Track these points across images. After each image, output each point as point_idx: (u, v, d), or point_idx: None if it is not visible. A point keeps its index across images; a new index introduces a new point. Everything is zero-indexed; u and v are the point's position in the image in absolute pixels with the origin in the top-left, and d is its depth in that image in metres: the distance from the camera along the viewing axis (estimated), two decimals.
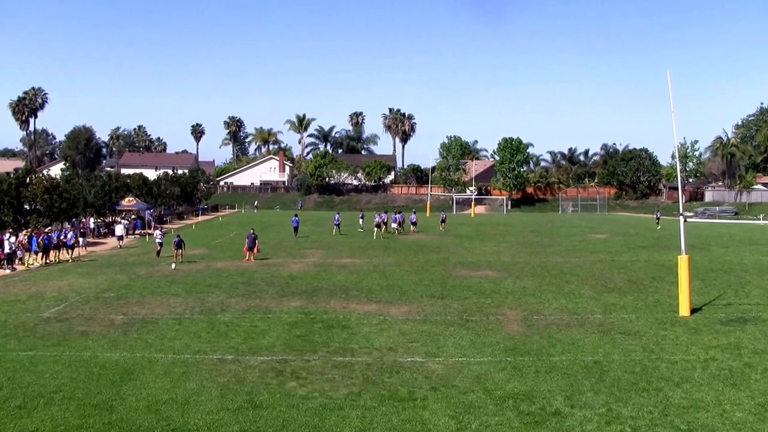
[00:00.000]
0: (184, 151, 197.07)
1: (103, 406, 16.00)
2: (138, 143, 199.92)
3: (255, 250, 45.42)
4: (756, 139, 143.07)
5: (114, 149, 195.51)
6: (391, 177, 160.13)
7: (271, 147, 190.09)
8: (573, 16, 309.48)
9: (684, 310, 27.21)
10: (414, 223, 74.86)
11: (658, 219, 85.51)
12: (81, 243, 50.92)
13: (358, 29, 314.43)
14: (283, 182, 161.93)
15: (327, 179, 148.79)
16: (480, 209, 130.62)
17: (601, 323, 25.61)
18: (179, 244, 43.79)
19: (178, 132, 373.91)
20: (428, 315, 27.06)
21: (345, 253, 50.60)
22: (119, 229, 61.17)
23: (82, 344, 21.96)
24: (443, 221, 78.81)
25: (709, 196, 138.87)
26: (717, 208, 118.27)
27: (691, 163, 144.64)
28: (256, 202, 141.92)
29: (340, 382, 18.01)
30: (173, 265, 40.98)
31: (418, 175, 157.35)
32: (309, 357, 20.48)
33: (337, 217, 72.88)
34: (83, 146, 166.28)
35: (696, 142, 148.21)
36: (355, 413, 15.74)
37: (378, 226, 67.21)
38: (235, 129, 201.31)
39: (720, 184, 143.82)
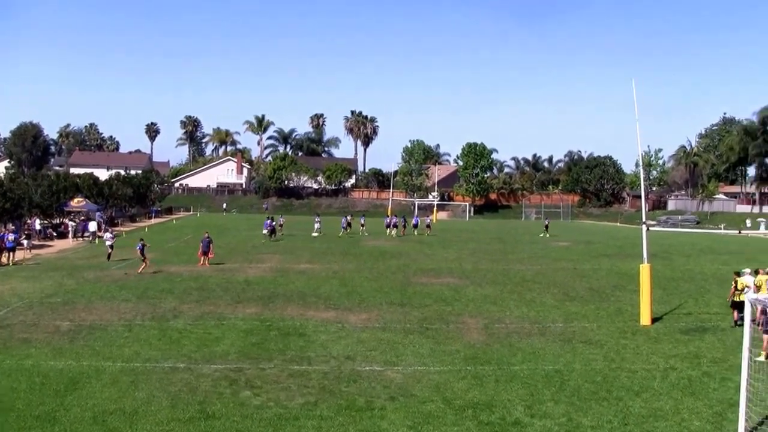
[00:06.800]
0: (138, 151, 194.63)
1: (46, 418, 15.36)
2: (89, 142, 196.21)
3: (210, 254, 44.55)
4: (719, 149, 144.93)
5: (63, 147, 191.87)
6: (352, 181, 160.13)
7: (228, 148, 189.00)
8: (539, 22, 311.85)
9: (645, 319, 27.20)
10: (415, 226, 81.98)
11: (546, 226, 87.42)
12: (26, 245, 49.67)
13: (321, 29, 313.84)
14: (241, 185, 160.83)
15: (286, 182, 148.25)
16: (442, 215, 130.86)
17: (562, 332, 25.51)
18: (143, 251, 41.67)
19: (131, 131, 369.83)
20: (387, 323, 26.70)
21: (303, 258, 50.17)
22: (92, 225, 63.36)
23: (24, 352, 21.14)
24: (429, 226, 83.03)
25: (672, 204, 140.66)
26: (679, 217, 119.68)
27: (654, 172, 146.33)
28: (224, 204, 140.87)
29: (296, 392, 17.60)
30: (140, 270, 39.78)
31: (380, 180, 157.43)
32: (264, 365, 20.03)
33: (345, 220, 79.03)
34: (30, 144, 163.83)
35: (660, 150, 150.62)
36: (311, 423, 15.37)
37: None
38: (191, 129, 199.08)
39: (683, 193, 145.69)
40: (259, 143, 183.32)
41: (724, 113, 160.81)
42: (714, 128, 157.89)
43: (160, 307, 29.06)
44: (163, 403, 16.45)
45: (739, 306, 26.55)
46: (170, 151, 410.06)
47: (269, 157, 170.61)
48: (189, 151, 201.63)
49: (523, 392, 17.87)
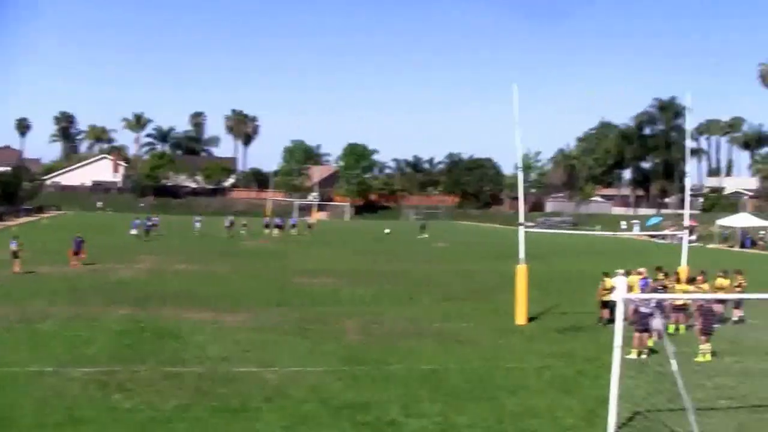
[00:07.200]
0: (7, 147, 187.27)
1: None
2: None
3: (82, 254, 43.31)
4: (596, 152, 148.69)
5: None
6: (232, 180, 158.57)
7: (105, 146, 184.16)
8: (419, 22, 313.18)
9: (521, 318, 27.68)
10: (294, 226, 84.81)
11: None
12: None
13: (202, 26, 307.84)
14: (117, 183, 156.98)
15: (164, 181, 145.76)
16: (322, 215, 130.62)
17: (439, 332, 25.66)
18: (16, 249, 39.47)
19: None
20: (264, 323, 26.43)
21: (180, 258, 49.43)
22: None
23: None
24: (310, 226, 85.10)
25: (549, 206, 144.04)
26: (557, 218, 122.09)
27: (533, 174, 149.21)
28: (100, 203, 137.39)
29: (169, 394, 17.15)
30: (15, 270, 38.14)
31: (260, 179, 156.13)
32: (137, 368, 19.47)
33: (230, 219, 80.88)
34: None
35: (539, 153, 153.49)
36: (184, 426, 15.01)
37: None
38: (66, 125, 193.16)
39: (560, 195, 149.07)
40: (136, 141, 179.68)
41: (602, 117, 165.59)
42: (592, 132, 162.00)
43: (28, 308, 27.94)
44: (28, 409, 15.77)
45: (606, 304, 27.41)
46: (43, 147, 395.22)
47: (147, 156, 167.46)
48: (63, 148, 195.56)
49: (400, 392, 17.83)
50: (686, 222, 37.68)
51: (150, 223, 69.96)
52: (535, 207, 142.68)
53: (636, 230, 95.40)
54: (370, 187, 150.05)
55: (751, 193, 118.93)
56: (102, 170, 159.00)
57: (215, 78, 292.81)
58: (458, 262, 52.31)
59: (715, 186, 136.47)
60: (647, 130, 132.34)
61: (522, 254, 28.39)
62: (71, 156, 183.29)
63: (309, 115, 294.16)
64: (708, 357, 22.07)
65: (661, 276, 28.77)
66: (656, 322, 21.72)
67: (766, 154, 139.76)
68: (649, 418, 15.91)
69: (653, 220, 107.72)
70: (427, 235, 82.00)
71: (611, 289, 27.14)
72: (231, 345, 22.67)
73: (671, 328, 25.83)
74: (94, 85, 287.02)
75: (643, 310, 21.83)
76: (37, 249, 51.43)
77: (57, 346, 21.85)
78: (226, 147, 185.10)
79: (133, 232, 65.89)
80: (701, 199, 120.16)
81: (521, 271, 28.17)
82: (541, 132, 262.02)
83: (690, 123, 42.44)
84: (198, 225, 77.34)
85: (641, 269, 29.71)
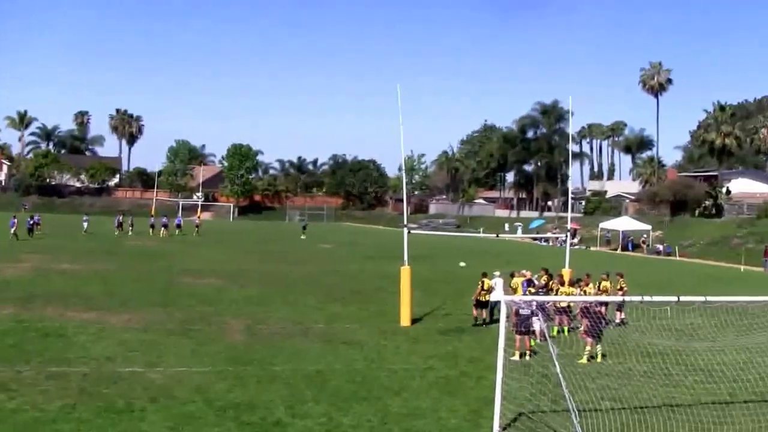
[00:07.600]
0: None
1: None
2: None
3: None
4: (479, 155, 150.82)
5: None
6: (116, 180, 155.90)
7: None
8: (303, 23, 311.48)
9: (405, 320, 28.07)
10: (179, 226, 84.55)
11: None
12: None
13: (85, 24, 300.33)
14: (0, 182, 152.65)
15: (48, 180, 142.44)
16: (206, 216, 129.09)
17: (324, 333, 25.93)
18: None
19: None
20: (149, 324, 26.26)
21: (65, 258, 48.38)
22: None
23: None
24: (197, 226, 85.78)
25: (433, 208, 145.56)
26: (440, 220, 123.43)
27: (417, 176, 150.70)
28: None
29: (54, 394, 17.00)
30: None
31: (145, 179, 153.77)
32: (21, 368, 19.20)
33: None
34: None
35: (423, 155, 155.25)
36: (69, 427, 14.90)
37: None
38: None
39: (444, 197, 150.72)
40: (20, 140, 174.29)
41: (485, 120, 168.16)
42: (475, 135, 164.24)
43: None
44: None
45: (482, 305, 28.10)
46: None
47: (31, 154, 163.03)
48: None
49: (285, 392, 18.00)
50: (569, 225, 38.98)
51: (32, 222, 68.25)
52: (419, 209, 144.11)
53: (519, 233, 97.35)
54: (255, 188, 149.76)
55: (632, 197, 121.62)
56: None
57: (99, 77, 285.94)
58: (342, 262, 52.67)
59: (597, 189, 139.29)
60: (530, 134, 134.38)
61: (406, 256, 28.85)
62: None
63: (193, 116, 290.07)
64: (599, 359, 22.72)
65: (545, 278, 29.62)
66: (538, 324, 22.34)
67: (647, 158, 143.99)
68: (533, 419, 16.33)
69: (536, 223, 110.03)
70: (304, 237, 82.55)
71: (489, 290, 27.88)
72: (116, 345, 22.51)
73: (555, 330, 26.56)
74: None
75: (524, 311, 22.15)
76: None
77: None
78: (110, 146, 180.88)
79: (12, 230, 64.05)
80: (583, 203, 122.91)
81: (405, 272, 28.56)
82: (425, 135, 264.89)
83: (572, 127, 43.62)
84: (86, 224, 76.18)
85: (525, 271, 30.47)
